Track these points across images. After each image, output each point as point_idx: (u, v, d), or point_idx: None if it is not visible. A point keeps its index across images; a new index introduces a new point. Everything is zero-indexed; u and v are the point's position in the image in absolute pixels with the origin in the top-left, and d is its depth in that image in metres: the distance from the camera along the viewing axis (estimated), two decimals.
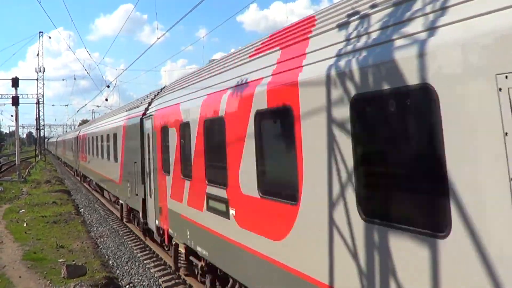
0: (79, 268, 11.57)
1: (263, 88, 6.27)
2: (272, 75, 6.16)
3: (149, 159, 13.08)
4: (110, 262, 13.69)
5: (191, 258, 10.21)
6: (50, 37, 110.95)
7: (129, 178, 16.08)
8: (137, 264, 13.49)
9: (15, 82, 40.22)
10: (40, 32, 72.85)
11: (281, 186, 6.13)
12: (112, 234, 17.68)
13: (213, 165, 8.23)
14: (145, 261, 13.68)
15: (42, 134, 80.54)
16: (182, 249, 10.58)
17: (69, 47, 60.71)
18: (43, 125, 78.18)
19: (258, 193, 6.39)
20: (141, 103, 16.40)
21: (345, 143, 4.66)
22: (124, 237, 17.18)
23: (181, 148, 9.92)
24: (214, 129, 8.15)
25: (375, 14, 4.73)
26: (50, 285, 10.65)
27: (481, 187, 3.33)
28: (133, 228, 17.57)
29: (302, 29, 6.14)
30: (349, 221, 4.61)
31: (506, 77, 3.14)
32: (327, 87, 4.92)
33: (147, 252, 14.74)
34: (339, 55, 4.90)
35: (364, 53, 4.52)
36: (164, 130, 11.24)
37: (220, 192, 7.69)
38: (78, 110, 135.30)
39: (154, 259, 13.86)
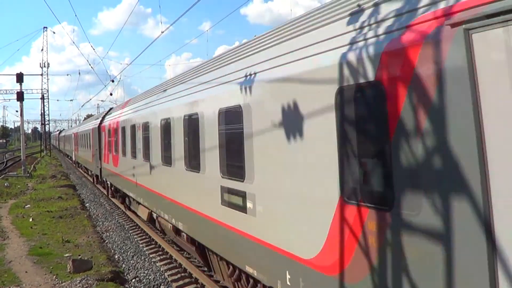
0: (85, 262, 11.56)
1: (121, 119, 18.58)
2: (119, 116, 19.17)
3: (101, 146, 25.21)
4: (116, 257, 13.67)
5: (112, 188, 22.26)
6: (54, 32, 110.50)
7: (95, 158, 27.64)
8: (143, 258, 13.45)
9: (19, 78, 40.15)
10: (44, 27, 72.91)
11: (117, 149, 18.82)
12: (117, 229, 17.66)
13: (111, 146, 20.35)
14: (151, 255, 13.64)
15: (47, 129, 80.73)
16: (109, 185, 23.36)
17: (73, 42, 60.55)
18: (48, 120, 78.35)
19: (116, 153, 19.09)
20: (101, 116, 28.40)
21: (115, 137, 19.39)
22: (130, 231, 17.17)
23: (107, 140, 22.05)
24: (114, 134, 19.77)
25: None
26: (56, 279, 10.64)
27: None
28: (137, 220, 17.60)
29: (126, 103, 20.47)
30: (134, 159, 15.91)
31: None
32: (124, 125, 17.83)
33: (152, 246, 14.71)
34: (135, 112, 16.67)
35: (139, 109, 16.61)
36: (104, 132, 23.50)
37: (113, 156, 19.85)
38: (83, 105, 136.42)
39: (160, 253, 13.83)
